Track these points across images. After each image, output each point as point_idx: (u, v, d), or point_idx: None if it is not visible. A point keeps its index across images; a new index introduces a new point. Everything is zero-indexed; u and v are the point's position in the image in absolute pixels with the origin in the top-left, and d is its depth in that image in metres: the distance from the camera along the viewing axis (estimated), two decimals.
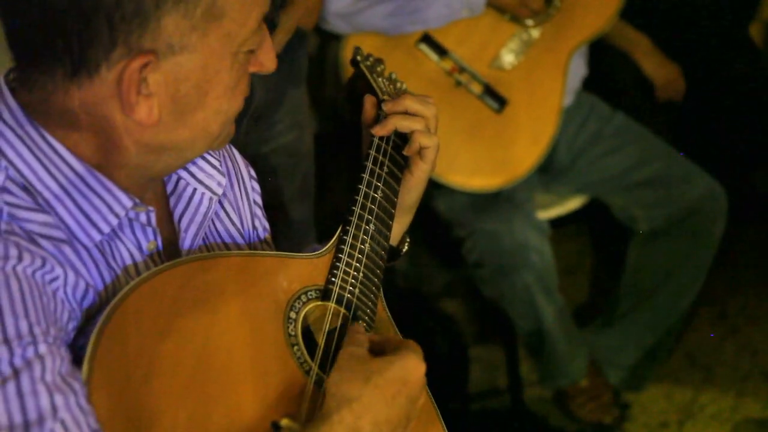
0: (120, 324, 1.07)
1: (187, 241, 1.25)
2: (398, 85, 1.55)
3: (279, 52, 1.85)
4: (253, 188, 1.44)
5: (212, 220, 1.32)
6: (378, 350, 1.20)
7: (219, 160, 1.31)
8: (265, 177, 2.05)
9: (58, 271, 1.09)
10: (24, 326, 1.02)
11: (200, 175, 1.28)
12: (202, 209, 1.28)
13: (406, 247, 1.51)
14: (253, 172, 1.45)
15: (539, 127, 2.49)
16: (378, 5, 2.35)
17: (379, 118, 1.44)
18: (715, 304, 3.03)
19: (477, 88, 2.45)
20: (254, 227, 1.42)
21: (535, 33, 2.48)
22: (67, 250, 1.12)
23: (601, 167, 2.69)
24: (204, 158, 1.29)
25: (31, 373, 1.00)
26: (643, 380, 2.79)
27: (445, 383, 2.71)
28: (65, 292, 1.10)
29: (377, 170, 1.39)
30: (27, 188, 1.11)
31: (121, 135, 1.13)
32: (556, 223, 2.68)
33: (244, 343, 1.14)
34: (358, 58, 1.55)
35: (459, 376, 2.78)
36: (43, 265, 1.07)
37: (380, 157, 1.40)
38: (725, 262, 2.76)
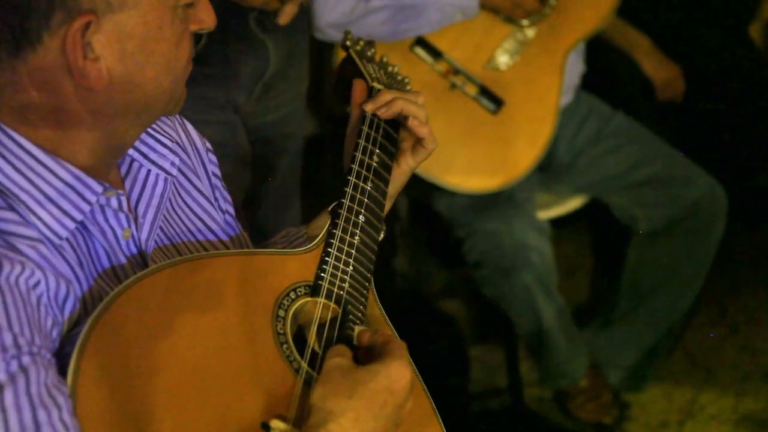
0: (104, 333, 1.05)
1: (145, 227, 1.23)
2: (399, 77, 1.53)
3: (288, 23, 1.88)
4: (210, 161, 1.42)
5: (175, 192, 1.31)
6: (364, 355, 1.20)
7: (172, 140, 1.30)
8: (259, 147, 2.08)
9: (39, 275, 1.07)
10: (8, 339, 1.00)
11: (153, 156, 1.27)
12: (158, 191, 1.26)
13: (382, 235, 1.47)
14: (209, 145, 1.44)
15: (536, 127, 2.47)
16: (372, 14, 2.34)
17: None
18: (715, 304, 3.02)
19: (472, 90, 2.43)
20: (215, 198, 1.40)
21: (531, 32, 2.46)
22: (43, 249, 1.10)
23: (601, 167, 2.68)
24: (155, 138, 1.28)
25: (15, 387, 0.99)
26: (643, 380, 2.78)
27: (445, 383, 2.72)
28: (48, 298, 1.08)
29: (366, 160, 1.37)
30: None
31: (75, 106, 1.12)
32: (556, 223, 2.68)
33: (232, 345, 1.14)
34: (348, 42, 1.53)
35: (459, 376, 2.78)
36: (23, 270, 1.05)
37: (370, 146, 1.39)
38: (725, 262, 2.75)
